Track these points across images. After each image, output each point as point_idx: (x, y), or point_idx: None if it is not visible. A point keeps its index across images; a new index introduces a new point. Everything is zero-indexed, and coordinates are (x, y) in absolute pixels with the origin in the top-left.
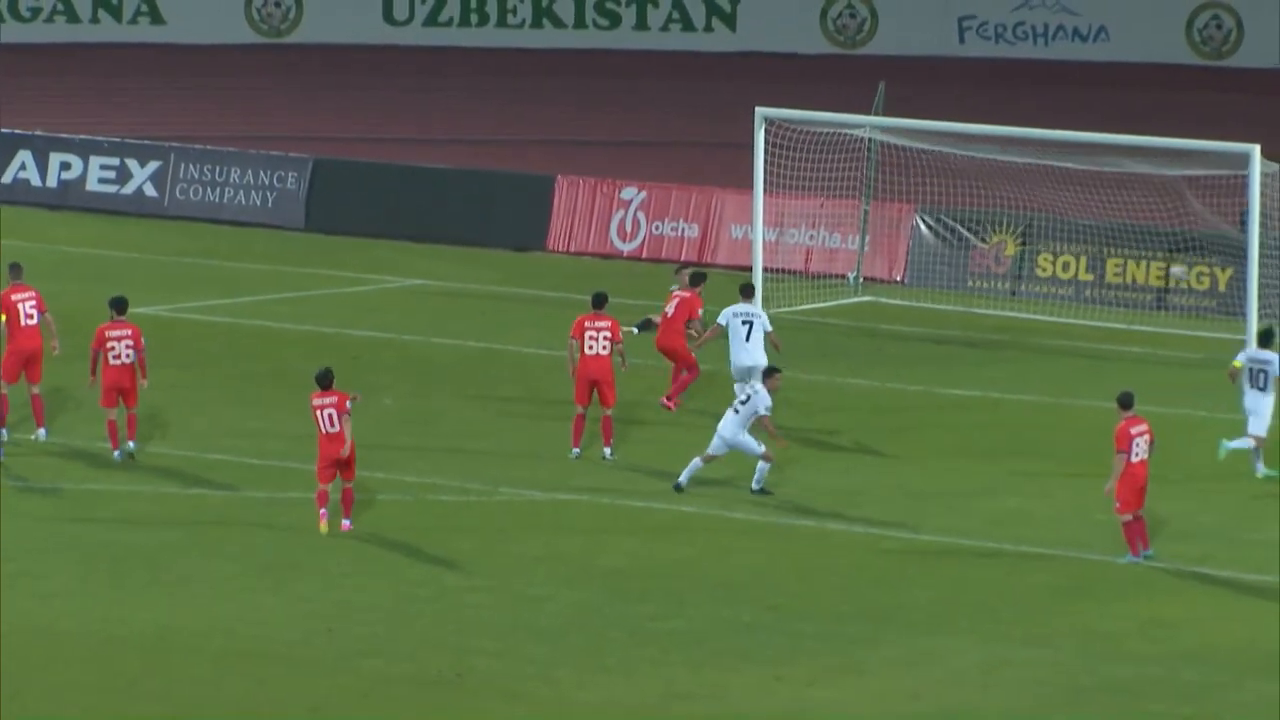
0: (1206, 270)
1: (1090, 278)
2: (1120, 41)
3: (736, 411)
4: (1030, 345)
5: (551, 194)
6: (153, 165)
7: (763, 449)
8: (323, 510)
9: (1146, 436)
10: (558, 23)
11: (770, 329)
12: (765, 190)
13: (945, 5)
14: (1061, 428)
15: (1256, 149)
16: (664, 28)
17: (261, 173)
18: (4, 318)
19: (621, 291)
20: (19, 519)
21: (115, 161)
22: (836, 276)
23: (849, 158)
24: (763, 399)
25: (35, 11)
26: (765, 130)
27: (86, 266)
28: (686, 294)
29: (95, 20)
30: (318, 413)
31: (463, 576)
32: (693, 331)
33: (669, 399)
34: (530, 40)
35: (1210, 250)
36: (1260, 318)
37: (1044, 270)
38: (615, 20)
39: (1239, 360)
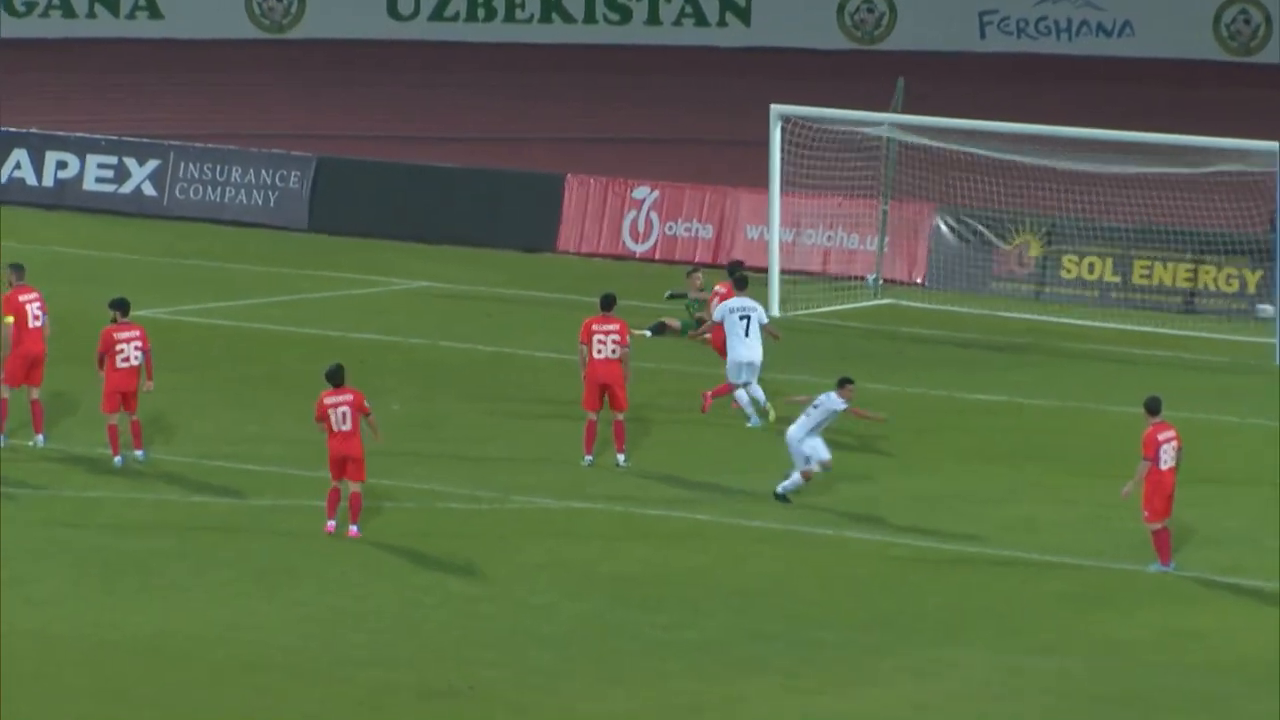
0: (1235, 273)
1: (1116, 279)
2: (1145, 37)
3: (808, 415)
4: (1054, 349)
5: (561, 193)
6: (152, 164)
7: (816, 463)
8: (331, 513)
9: (1174, 443)
10: (567, 17)
11: (767, 321)
12: (781, 190)
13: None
14: (1086, 433)
15: None
16: (676, 22)
17: (263, 172)
18: (10, 319)
19: (635, 294)
20: (14, 525)
21: (113, 160)
22: (855, 278)
23: (867, 156)
24: (834, 398)
25: (31, 6)
26: (781, 128)
27: (83, 268)
28: (722, 287)
29: (92, 15)
30: (330, 411)
31: (470, 585)
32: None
33: (710, 397)
34: (538, 35)
35: (1239, 252)
36: None
37: (1069, 272)
38: (626, 15)
39: None
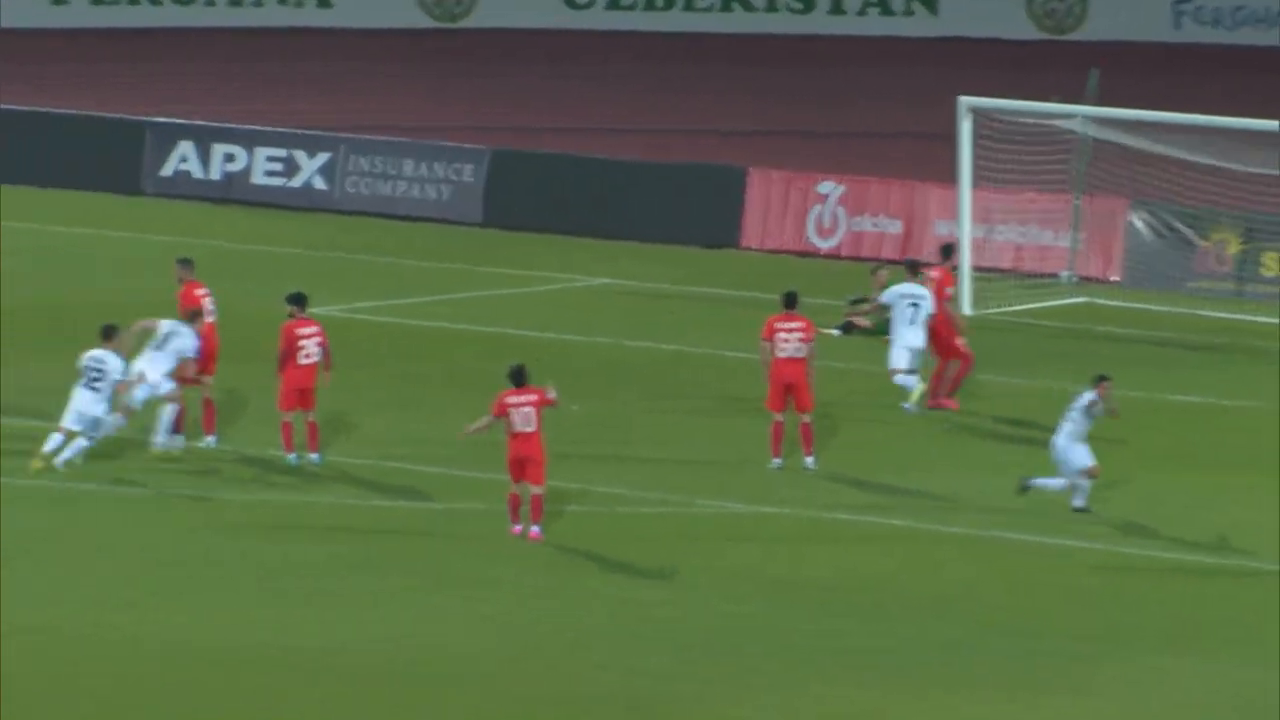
0: None
1: None
2: None
3: (1073, 422)
4: (1255, 349)
5: (743, 188)
6: (322, 157)
7: (1080, 471)
8: (514, 515)
9: None
10: (748, 6)
11: (932, 311)
12: (971, 184)
13: None
14: None
15: None
16: (861, 12)
17: (436, 165)
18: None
19: (820, 291)
20: (184, 529)
21: (282, 153)
22: (1048, 276)
23: (1059, 150)
24: (1089, 397)
25: None
26: (970, 120)
27: (251, 263)
28: (936, 273)
29: (259, 4)
30: (513, 410)
31: (655, 591)
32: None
33: (945, 398)
34: (718, 24)
35: None
36: None
37: (1269, 269)
38: (809, 4)
39: None
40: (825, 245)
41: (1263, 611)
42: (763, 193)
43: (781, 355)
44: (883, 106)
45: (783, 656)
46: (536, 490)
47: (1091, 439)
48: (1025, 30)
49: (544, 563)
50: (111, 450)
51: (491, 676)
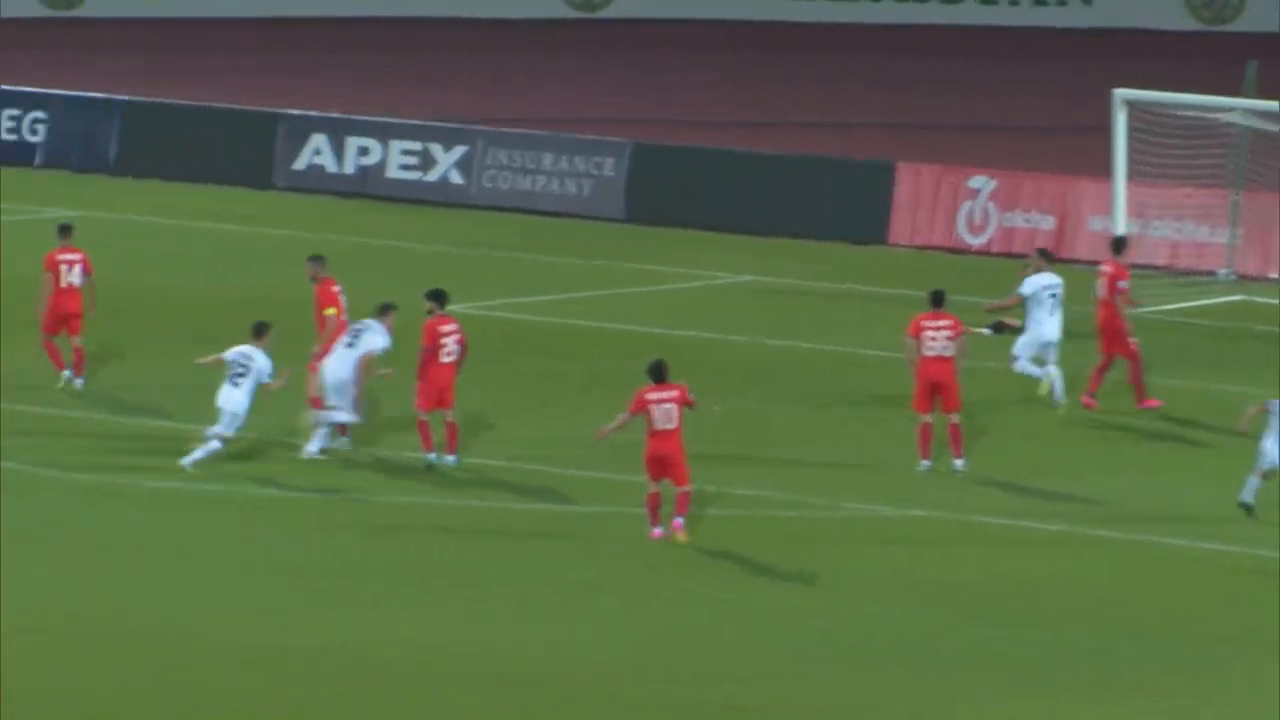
0: None
1: None
2: None
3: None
4: None
5: (892, 183)
6: (458, 150)
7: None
8: (654, 517)
9: None
10: None
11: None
12: (1126, 179)
13: None
14: None
15: None
16: (1013, 2)
17: (577, 159)
18: (333, 311)
19: (971, 289)
20: (318, 532)
21: (417, 146)
22: (1205, 273)
23: (1217, 143)
24: None
25: None
26: (1125, 113)
27: (386, 259)
28: (1109, 266)
29: None
30: (653, 408)
31: (800, 596)
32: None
33: (1141, 401)
34: (866, 14)
35: None
36: None
37: None
38: None
39: None
40: (976, 242)
41: None
42: (912, 188)
43: (928, 354)
44: (1035, 99)
45: (938, 662)
46: (683, 489)
47: (1246, 439)
48: (1182, 21)
49: (687, 567)
50: (250, 451)
51: (641, 681)
